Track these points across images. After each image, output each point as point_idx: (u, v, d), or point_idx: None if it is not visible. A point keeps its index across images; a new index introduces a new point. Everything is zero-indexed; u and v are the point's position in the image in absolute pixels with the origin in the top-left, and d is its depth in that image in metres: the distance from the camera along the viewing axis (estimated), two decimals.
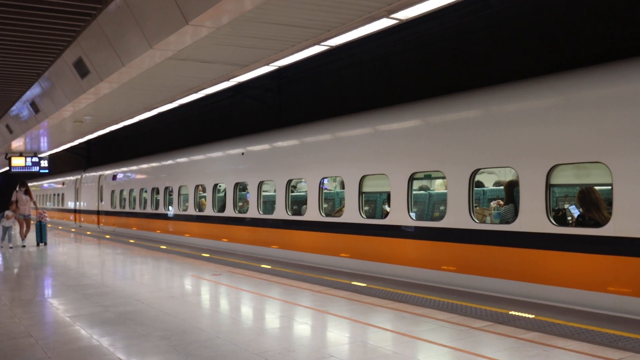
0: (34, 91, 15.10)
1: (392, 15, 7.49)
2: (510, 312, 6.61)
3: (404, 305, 7.24)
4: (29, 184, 18.11)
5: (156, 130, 24.18)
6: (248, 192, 14.44)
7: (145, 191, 20.35)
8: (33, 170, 26.65)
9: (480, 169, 8.42)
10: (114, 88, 11.97)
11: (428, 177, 10.79)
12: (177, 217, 17.85)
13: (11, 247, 16.63)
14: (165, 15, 8.03)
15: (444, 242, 8.73)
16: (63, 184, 32.23)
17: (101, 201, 25.07)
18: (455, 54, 11.80)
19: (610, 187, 6.75)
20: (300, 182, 13.46)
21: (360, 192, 10.38)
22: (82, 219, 27.86)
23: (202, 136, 20.07)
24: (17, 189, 17.38)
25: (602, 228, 6.76)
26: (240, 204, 14.76)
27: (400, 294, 7.90)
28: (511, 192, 8.14)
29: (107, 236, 20.82)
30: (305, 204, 11.93)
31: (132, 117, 16.65)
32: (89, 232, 23.56)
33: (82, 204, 28.09)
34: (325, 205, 11.71)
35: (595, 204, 7.18)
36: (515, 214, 7.76)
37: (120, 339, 6.08)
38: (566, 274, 7.08)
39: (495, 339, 5.66)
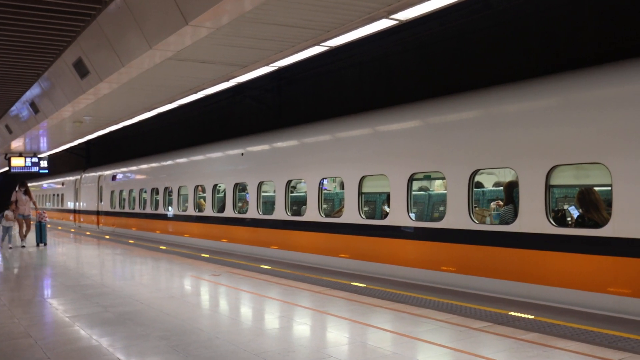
0: (33, 91, 15.10)
1: (392, 16, 7.49)
2: (509, 313, 6.61)
3: (404, 305, 7.24)
4: (29, 184, 18.09)
5: (156, 131, 24.18)
6: (247, 193, 14.45)
7: (145, 191, 20.36)
8: (32, 170, 26.64)
9: (479, 169, 8.42)
10: (113, 88, 11.97)
11: (428, 177, 10.79)
12: (176, 218, 17.85)
13: (10, 248, 16.62)
14: (165, 15, 8.03)
15: (443, 242, 8.73)
16: (62, 184, 32.22)
17: (101, 201, 25.08)
18: (455, 55, 11.80)
19: (609, 188, 6.75)
20: (300, 182, 13.46)
21: (360, 193, 10.38)
22: (82, 220, 27.86)
23: (201, 137, 20.07)
24: (17, 189, 17.36)
25: (601, 229, 6.76)
26: (240, 204, 14.76)
27: (399, 295, 7.90)
28: (511, 192, 8.14)
29: (107, 236, 20.81)
30: (305, 204, 11.93)
31: (131, 118, 16.65)
32: (88, 233, 23.55)
33: (81, 204, 28.09)
34: (324, 206, 11.71)
35: (594, 205, 7.18)
36: (515, 214, 7.76)
37: (120, 339, 6.08)
38: (566, 274, 7.08)
39: (495, 340, 5.66)
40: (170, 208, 18.35)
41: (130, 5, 8.47)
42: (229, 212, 14.66)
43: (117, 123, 17.78)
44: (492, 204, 9.12)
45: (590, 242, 6.88)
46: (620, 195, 6.56)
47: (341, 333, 6.23)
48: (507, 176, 9.41)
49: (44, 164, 26.72)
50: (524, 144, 7.69)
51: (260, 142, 13.99)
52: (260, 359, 5.24)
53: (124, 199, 22.17)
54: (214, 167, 15.99)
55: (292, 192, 12.95)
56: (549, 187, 7.30)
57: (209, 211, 15.77)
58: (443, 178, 9.23)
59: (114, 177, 23.48)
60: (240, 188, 14.73)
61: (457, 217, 8.45)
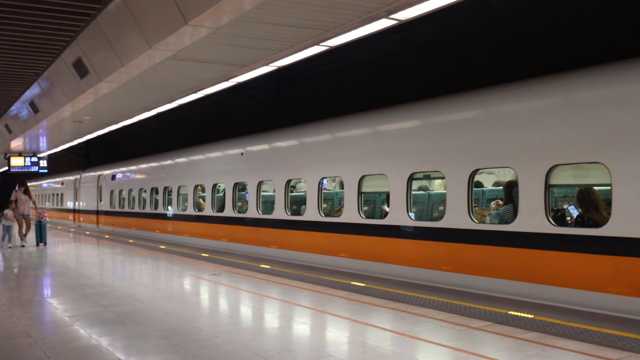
0: (33, 91, 15.10)
1: (392, 16, 7.50)
2: (509, 312, 6.62)
3: (403, 305, 7.25)
4: (28, 184, 18.08)
5: (155, 131, 24.18)
6: (247, 192, 14.45)
7: (145, 191, 20.35)
8: (32, 170, 26.65)
9: (479, 169, 8.43)
10: (113, 88, 11.97)
11: (427, 177, 10.80)
12: (176, 217, 17.85)
13: (10, 247, 16.61)
14: (164, 15, 8.04)
15: (443, 242, 8.74)
16: (62, 183, 32.22)
17: (100, 201, 25.07)
18: (454, 55, 11.80)
19: (609, 188, 6.76)
20: (300, 182, 13.47)
21: (360, 192, 10.39)
22: (81, 219, 27.85)
23: (201, 136, 20.07)
24: (17, 188, 17.35)
25: (601, 228, 6.77)
26: (240, 204, 14.76)
27: (399, 294, 7.91)
28: (510, 192, 8.15)
29: (106, 236, 20.81)
30: (305, 204, 11.94)
31: (131, 117, 16.66)
32: (88, 232, 23.55)
33: (81, 203, 28.08)
34: (324, 206, 11.72)
35: (594, 204, 7.19)
36: (515, 214, 7.77)
37: (120, 339, 6.08)
38: (565, 274, 7.09)
39: (495, 339, 5.67)
40: (169, 208, 18.36)
41: (130, 5, 8.47)
42: (229, 211, 14.66)
43: (116, 123, 17.79)
44: (491, 203, 9.13)
45: (589, 242, 6.88)
46: (620, 194, 6.57)
47: (341, 332, 6.23)
48: (506, 176, 9.42)
49: (43, 163, 26.73)
50: (523, 143, 7.70)
51: (260, 142, 13.99)
52: (260, 359, 5.24)
53: (124, 199, 22.17)
54: (214, 167, 15.99)
55: (291, 191, 12.96)
56: (548, 187, 7.31)
57: (208, 211, 15.78)
58: (443, 178, 9.24)
59: (113, 177, 23.47)
60: (239, 188, 14.73)
61: (456, 217, 8.46)
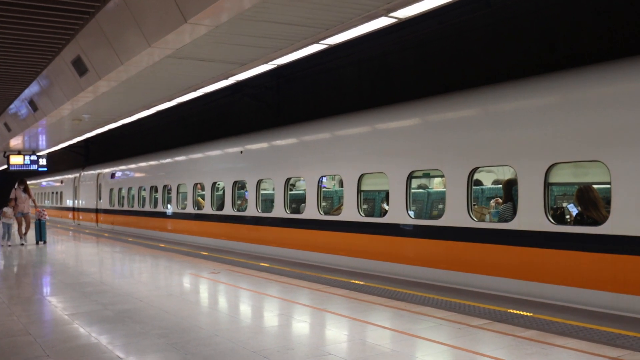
0: (32, 89, 15.09)
1: (391, 14, 7.50)
2: (508, 310, 6.63)
3: (403, 303, 7.25)
4: (28, 182, 18.07)
5: (155, 129, 24.18)
6: (247, 191, 14.45)
7: (144, 189, 20.35)
8: (31, 168, 26.66)
9: (478, 167, 8.43)
10: (112, 86, 11.97)
11: (427, 175, 10.80)
12: (175, 215, 17.85)
13: (9, 246, 16.61)
14: (163, 13, 8.03)
15: (442, 240, 8.75)
16: (61, 182, 32.21)
17: (100, 199, 25.07)
18: (453, 53, 11.80)
19: (608, 186, 6.76)
20: (299, 180, 13.47)
21: (359, 191, 10.39)
22: (81, 217, 27.85)
23: (200, 135, 20.07)
24: (16, 186, 17.34)
25: (600, 226, 6.78)
26: (239, 202, 14.76)
27: (398, 292, 7.91)
28: (510, 190, 8.15)
29: (106, 234, 20.81)
30: (304, 202, 11.94)
31: (130, 116, 16.65)
32: (87, 231, 23.55)
33: (80, 202, 28.08)
34: (323, 204, 11.72)
35: (593, 203, 7.19)
36: (514, 212, 7.77)
37: (119, 337, 6.08)
38: (564, 272, 7.10)
39: (494, 337, 5.68)
40: (169, 206, 18.35)
41: (129, 3, 8.46)
42: (228, 209, 14.66)
43: (115, 121, 17.78)
44: (491, 201, 9.13)
45: (589, 240, 6.89)
46: (619, 193, 6.57)
47: (340, 330, 6.23)
48: (506, 174, 9.42)
49: (42, 161, 26.74)
50: (522, 142, 7.70)
51: (259, 140, 13.99)
52: (259, 357, 5.25)
53: (123, 197, 22.17)
54: (213, 165, 15.99)
55: (291, 189, 12.96)
56: (547, 185, 7.31)
57: (208, 209, 15.78)
58: (442, 176, 9.23)
59: (112, 175, 23.47)
60: (239, 186, 14.73)
61: (456, 215, 8.46)
